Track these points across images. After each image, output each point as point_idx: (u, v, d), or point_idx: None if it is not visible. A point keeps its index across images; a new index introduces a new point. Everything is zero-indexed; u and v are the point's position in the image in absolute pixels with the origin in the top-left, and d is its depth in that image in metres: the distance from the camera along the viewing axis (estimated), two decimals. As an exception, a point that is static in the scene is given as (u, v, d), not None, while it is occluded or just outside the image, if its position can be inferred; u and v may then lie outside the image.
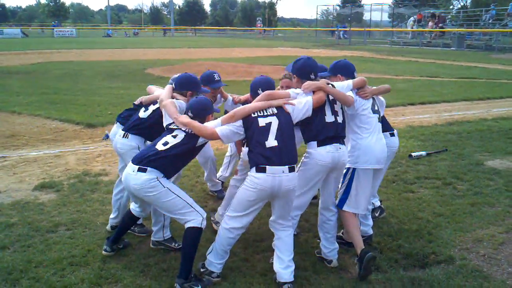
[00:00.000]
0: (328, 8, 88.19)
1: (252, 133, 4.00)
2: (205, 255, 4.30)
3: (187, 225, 4.08)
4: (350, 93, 4.36)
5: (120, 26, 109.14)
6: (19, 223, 5.31)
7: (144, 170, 4.00)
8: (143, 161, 4.05)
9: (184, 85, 4.67)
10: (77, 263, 4.45)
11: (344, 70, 4.60)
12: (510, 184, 6.61)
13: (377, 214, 5.51)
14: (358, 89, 4.46)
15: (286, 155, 3.95)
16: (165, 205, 4.08)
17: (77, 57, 28.45)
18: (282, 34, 78.83)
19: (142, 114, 4.85)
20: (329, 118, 4.24)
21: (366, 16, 67.41)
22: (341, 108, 4.39)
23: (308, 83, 4.28)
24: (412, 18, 49.21)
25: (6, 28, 65.70)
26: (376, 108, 4.51)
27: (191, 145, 4.13)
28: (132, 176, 4.04)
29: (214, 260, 4.19)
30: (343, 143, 4.29)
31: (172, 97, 4.55)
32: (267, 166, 3.88)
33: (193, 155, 4.40)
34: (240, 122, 4.05)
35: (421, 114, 12.12)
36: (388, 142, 4.87)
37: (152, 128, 4.65)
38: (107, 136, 5.36)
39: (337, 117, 4.28)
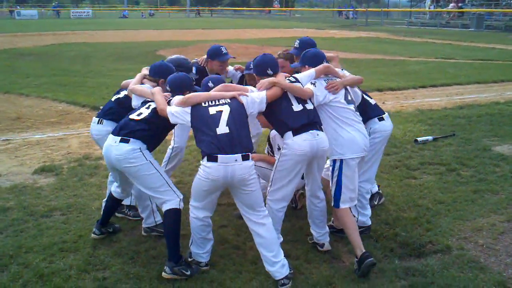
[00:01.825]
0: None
1: (201, 121, 3.88)
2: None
3: (164, 207, 4.05)
4: (309, 86, 4.22)
5: (137, 7, 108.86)
6: (14, 207, 5.31)
7: (127, 141, 4.02)
8: (124, 131, 4.06)
9: (157, 73, 4.66)
10: (67, 249, 4.44)
11: (312, 60, 4.45)
12: (516, 170, 6.41)
13: (376, 202, 5.38)
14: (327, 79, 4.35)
15: (238, 143, 3.80)
16: (145, 180, 4.06)
17: (90, 39, 28.46)
18: (300, 15, 78.09)
19: (114, 98, 4.96)
20: (297, 107, 4.12)
21: (385, -4, 66.43)
22: None
23: (261, 81, 4.20)
24: (430, -2, 48.25)
25: (23, 10, 66.07)
26: (349, 98, 4.34)
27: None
28: (114, 146, 4.04)
29: (197, 250, 4.13)
30: (320, 129, 4.15)
31: (142, 83, 4.62)
32: (218, 155, 3.74)
33: (173, 126, 4.47)
34: (188, 109, 3.95)
35: (432, 97, 11.83)
36: (378, 127, 4.74)
37: (125, 111, 4.57)
38: None
39: (306, 105, 4.15)
